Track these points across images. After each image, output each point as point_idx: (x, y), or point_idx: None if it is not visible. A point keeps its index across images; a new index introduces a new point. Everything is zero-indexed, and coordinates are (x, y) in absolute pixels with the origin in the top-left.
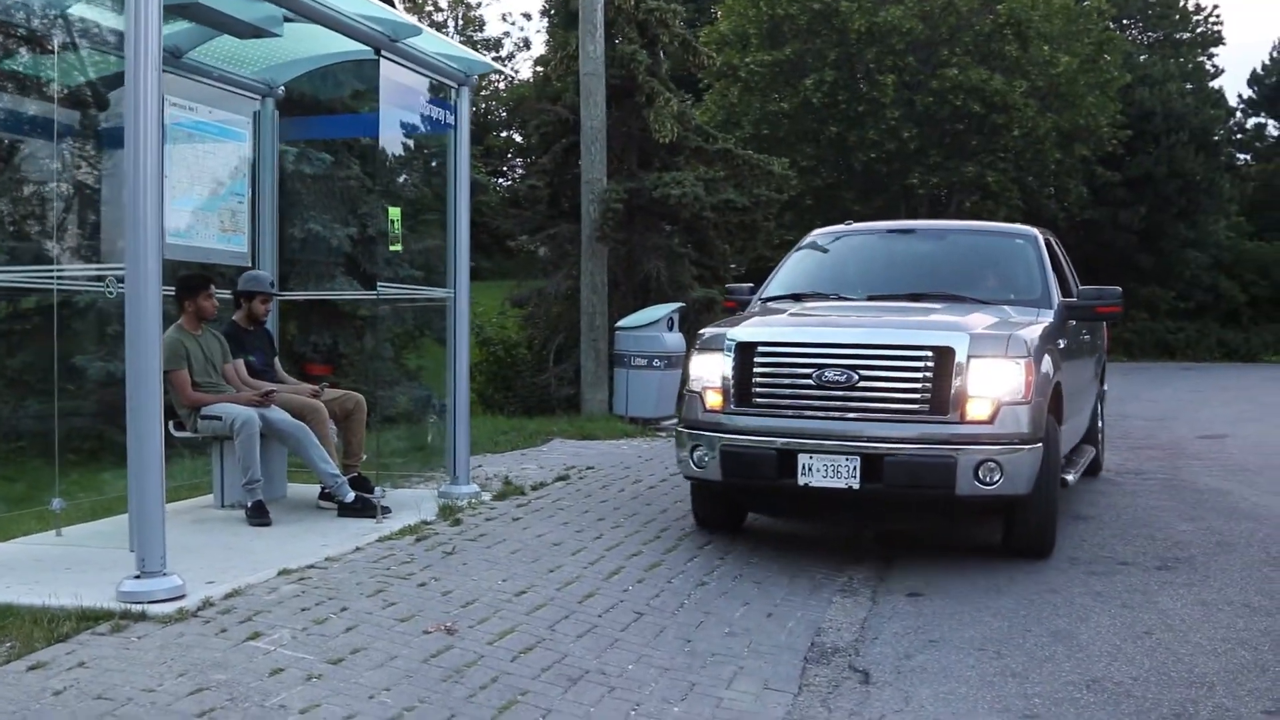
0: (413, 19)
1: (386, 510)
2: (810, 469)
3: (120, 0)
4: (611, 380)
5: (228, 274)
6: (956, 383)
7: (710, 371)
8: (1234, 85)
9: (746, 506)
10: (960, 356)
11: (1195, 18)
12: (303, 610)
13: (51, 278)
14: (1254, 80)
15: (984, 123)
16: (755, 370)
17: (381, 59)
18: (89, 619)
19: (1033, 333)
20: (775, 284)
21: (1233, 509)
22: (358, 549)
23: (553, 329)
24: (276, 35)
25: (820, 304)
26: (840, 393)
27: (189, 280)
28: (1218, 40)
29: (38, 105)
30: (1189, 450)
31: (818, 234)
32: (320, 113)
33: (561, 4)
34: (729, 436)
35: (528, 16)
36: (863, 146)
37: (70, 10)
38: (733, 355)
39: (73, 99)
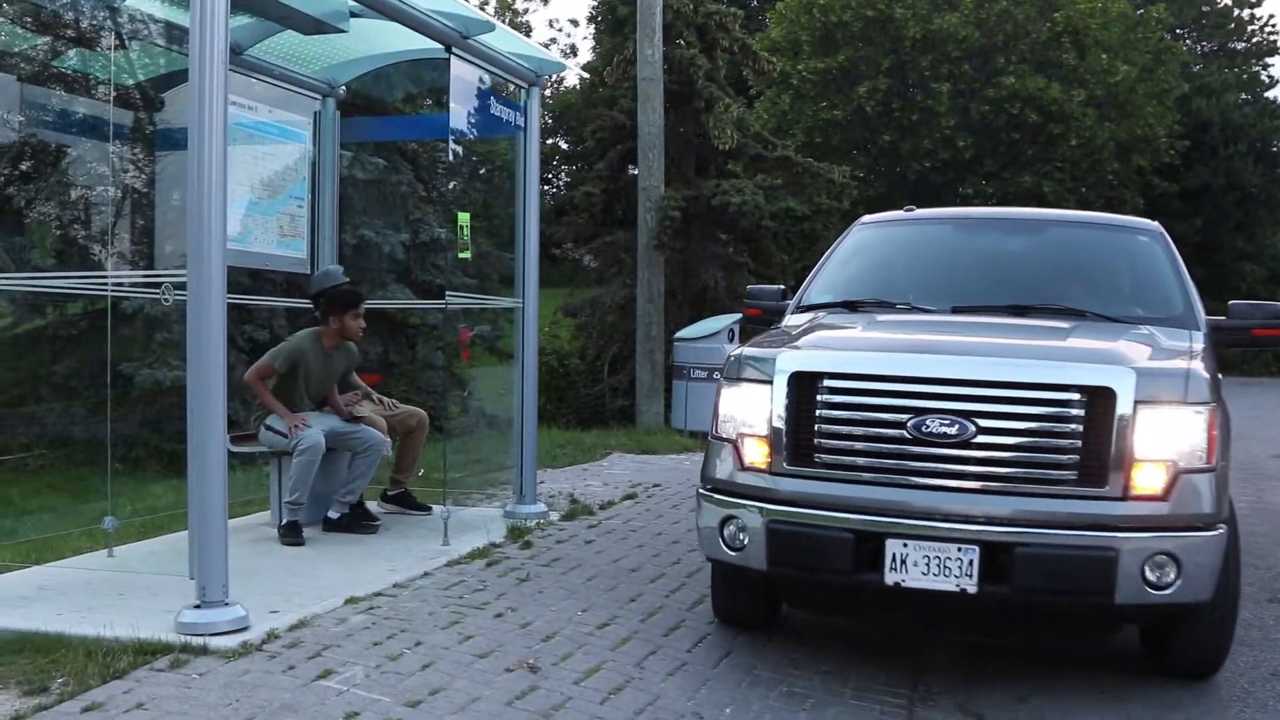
0: (486, 14)
1: (372, 525)
2: (904, 562)
3: None
4: (667, 392)
5: (280, 281)
6: (1118, 439)
7: (750, 412)
8: None
9: (796, 603)
10: (1124, 402)
11: (1250, 27)
12: (375, 644)
13: (106, 283)
14: None
15: (1041, 132)
16: (820, 413)
17: (452, 57)
18: (147, 652)
19: (1202, 368)
20: (818, 287)
21: None
22: (426, 574)
23: (607, 339)
24: (342, 31)
25: (893, 316)
26: (950, 450)
27: (342, 296)
28: (1273, 50)
29: (89, 105)
30: (1268, 470)
31: (868, 223)
32: (372, 115)
33: (609, 10)
34: (779, 508)
35: (575, 23)
36: (916, 155)
37: (125, 3)
38: (785, 391)
39: (124, 99)
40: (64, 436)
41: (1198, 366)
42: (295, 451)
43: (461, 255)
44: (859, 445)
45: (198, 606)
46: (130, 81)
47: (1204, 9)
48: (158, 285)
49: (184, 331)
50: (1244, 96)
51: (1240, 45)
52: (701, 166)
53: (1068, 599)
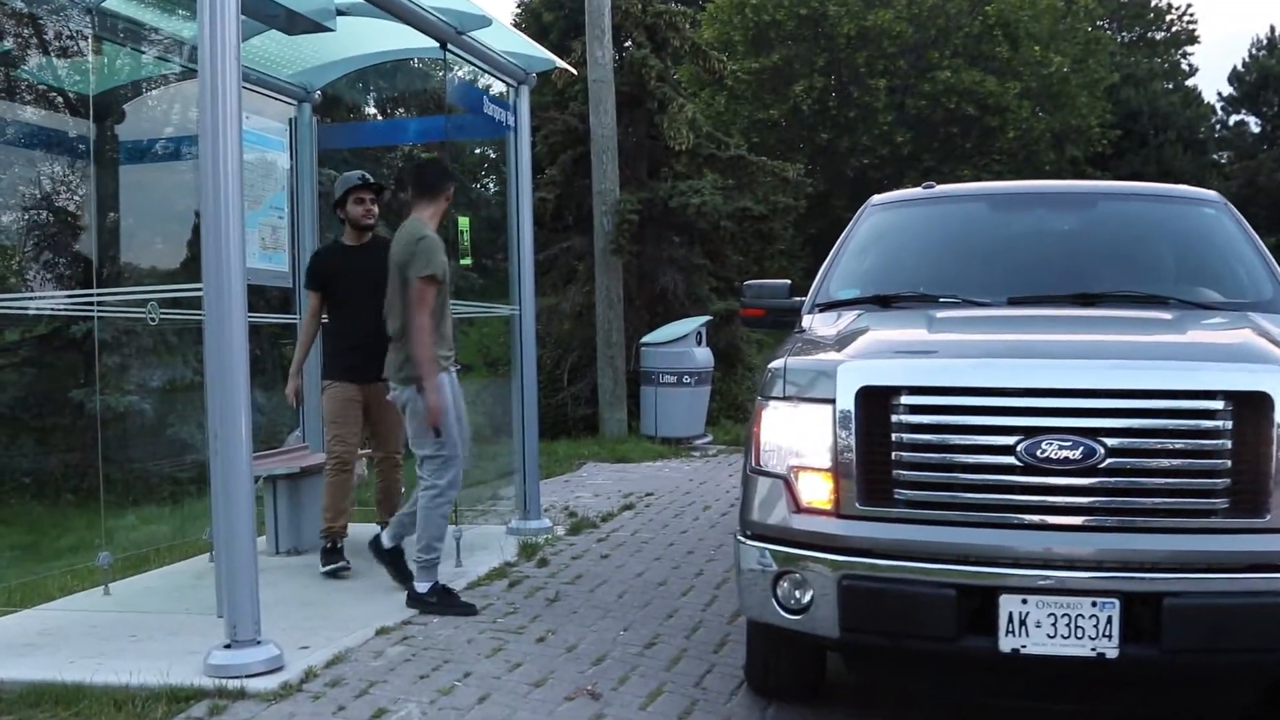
0: (482, 9)
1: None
2: (1024, 623)
3: None
4: (630, 399)
5: (274, 297)
6: (1277, 456)
7: (806, 439)
8: (1210, 83)
9: (864, 668)
10: None
11: (1169, 16)
12: (421, 678)
13: (91, 304)
14: (1235, 78)
15: (978, 125)
16: (899, 437)
17: (448, 54)
18: (180, 699)
19: None
20: (838, 280)
21: None
22: None
23: (565, 348)
24: (329, 30)
25: (954, 313)
26: (1073, 479)
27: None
28: (1193, 39)
29: (40, 117)
30: None
31: (882, 204)
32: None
33: (533, 17)
34: (854, 559)
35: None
36: (855, 152)
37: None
38: (853, 410)
39: (75, 109)
40: (11, 471)
41: None
42: (436, 472)
43: (463, 262)
44: (952, 476)
45: (228, 646)
46: (85, 90)
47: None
48: (141, 305)
49: (133, 354)
50: (1167, 85)
51: (1160, 35)
52: (654, 168)
53: (1231, 658)
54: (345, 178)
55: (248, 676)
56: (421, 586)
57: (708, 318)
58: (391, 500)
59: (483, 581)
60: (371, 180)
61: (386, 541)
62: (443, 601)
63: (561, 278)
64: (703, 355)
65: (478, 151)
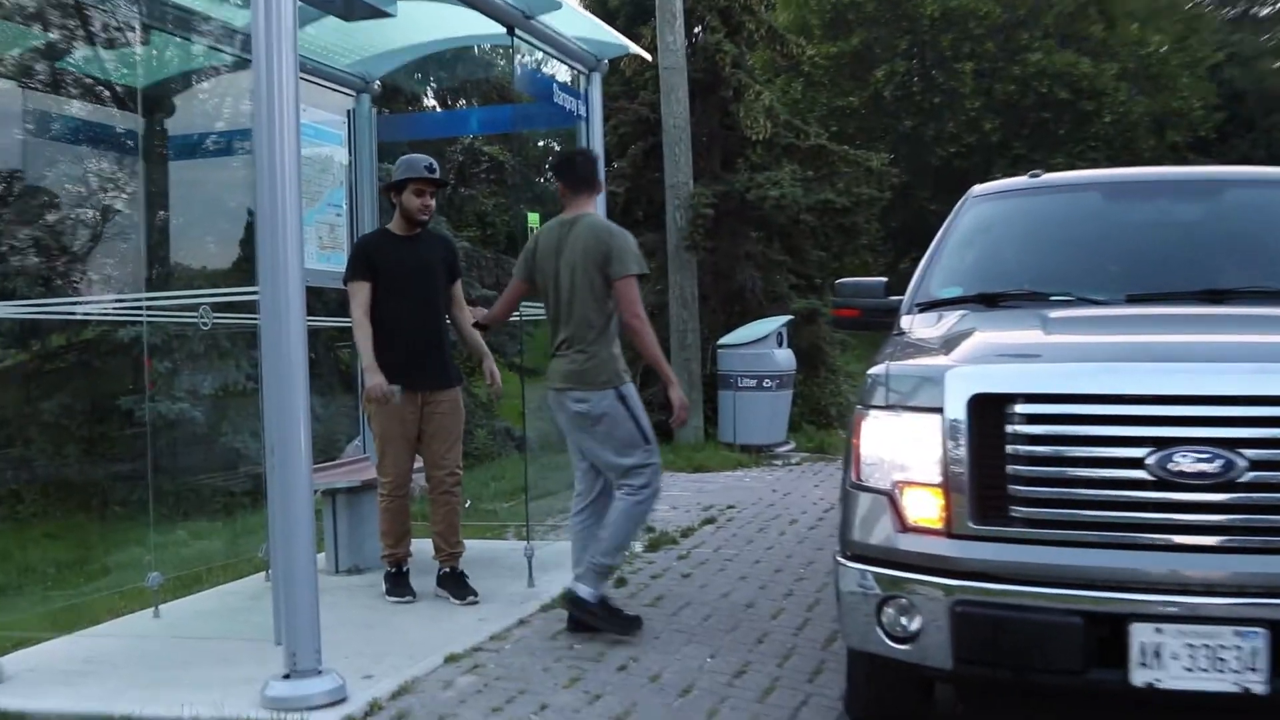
0: None
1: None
2: (1158, 654)
3: None
4: (706, 403)
5: (332, 300)
6: None
7: (912, 451)
8: None
9: (994, 705)
10: None
11: None
12: (495, 710)
13: (141, 308)
14: None
15: (1071, 110)
16: (1014, 449)
17: (514, 39)
18: None
19: None
20: (939, 278)
21: None
22: (523, 622)
23: (636, 350)
24: (389, 15)
25: (1071, 313)
26: (1211, 495)
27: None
28: None
29: (85, 110)
30: None
31: (984, 195)
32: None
33: (598, 2)
34: (968, 584)
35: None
36: (940, 141)
37: None
38: (965, 419)
39: (123, 102)
40: (59, 480)
41: None
42: (644, 480)
43: None
44: (1074, 493)
45: (287, 676)
46: (133, 83)
47: None
48: (192, 309)
49: (184, 359)
50: (1276, 64)
51: (1266, 10)
52: (729, 160)
53: None
54: (409, 161)
55: (309, 709)
56: (587, 592)
57: (788, 317)
58: (454, 530)
59: (557, 603)
60: (437, 172)
61: (589, 594)
62: (606, 616)
63: None
64: (784, 357)
65: (541, 144)
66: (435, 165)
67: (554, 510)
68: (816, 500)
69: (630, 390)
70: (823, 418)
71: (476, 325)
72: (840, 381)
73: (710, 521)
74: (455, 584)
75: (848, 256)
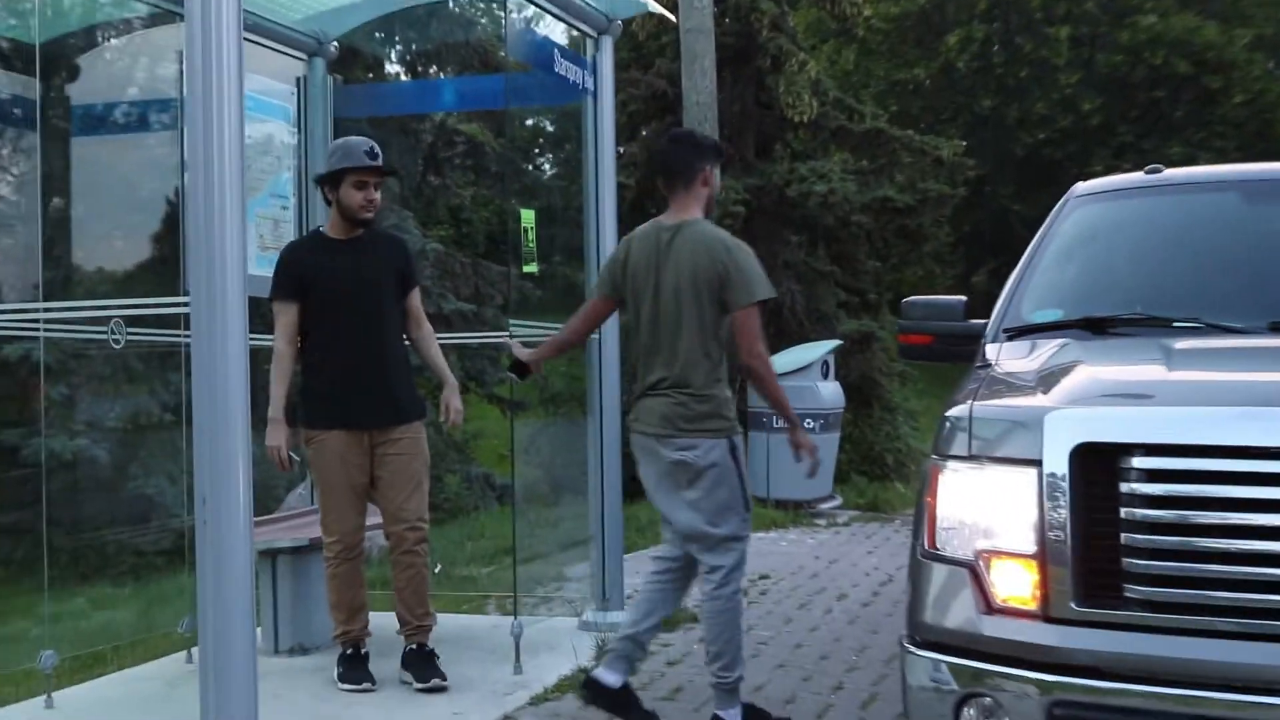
0: None
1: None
2: None
3: None
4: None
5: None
6: None
7: (999, 514)
8: None
9: None
10: None
11: None
12: None
13: (36, 323)
14: None
15: (1193, 87)
16: (1132, 514)
17: None
18: None
19: None
20: (1032, 298)
21: None
22: (507, 718)
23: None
24: None
25: (1196, 343)
26: None
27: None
28: None
29: None
30: None
31: (1090, 194)
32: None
33: None
34: (1069, 680)
35: None
36: (1026, 124)
37: None
38: (1066, 475)
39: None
40: None
41: None
42: (733, 553)
43: (526, 269)
44: (1206, 568)
45: None
46: (27, 38)
47: None
48: (98, 322)
49: (84, 383)
50: None
51: None
52: (765, 145)
53: None
54: (345, 146)
55: None
56: (733, 715)
57: (836, 342)
58: (421, 599)
59: (551, 695)
60: (379, 158)
61: (612, 678)
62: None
63: None
64: (830, 391)
65: (530, 123)
66: (377, 149)
67: (545, 577)
68: (870, 570)
69: (740, 442)
70: (877, 467)
71: (516, 367)
72: (899, 422)
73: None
74: (421, 664)
75: (909, 267)
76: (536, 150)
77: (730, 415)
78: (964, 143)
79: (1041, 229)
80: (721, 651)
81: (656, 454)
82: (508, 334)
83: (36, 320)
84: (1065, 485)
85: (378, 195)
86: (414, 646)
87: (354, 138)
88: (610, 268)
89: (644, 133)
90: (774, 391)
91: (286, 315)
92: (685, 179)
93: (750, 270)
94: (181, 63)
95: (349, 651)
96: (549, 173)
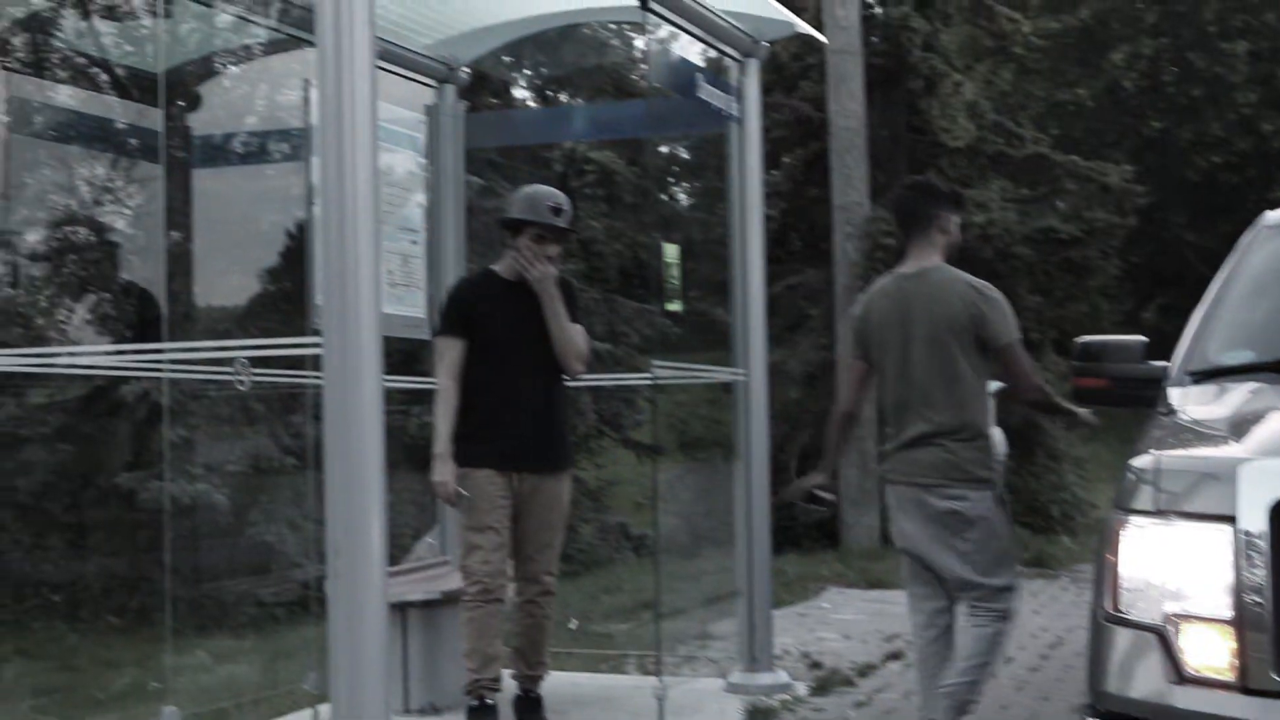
0: None
1: None
2: None
3: None
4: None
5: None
6: None
7: (1190, 574)
8: None
9: None
10: None
11: None
12: None
13: (160, 363)
14: None
15: None
16: None
17: (648, 12)
18: None
19: None
20: (1220, 337)
21: None
22: None
23: (792, 423)
24: None
25: None
26: None
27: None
28: None
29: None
30: None
31: None
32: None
33: None
34: None
35: None
36: (1201, 148)
37: None
38: (1265, 532)
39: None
40: (36, 579)
41: None
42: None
43: (670, 307)
44: None
45: None
46: (146, 66)
47: None
48: (220, 362)
49: (204, 424)
50: None
51: None
52: (917, 172)
53: None
54: (531, 198)
55: None
56: None
57: (997, 384)
58: (537, 647)
59: None
60: (564, 215)
61: None
62: None
63: (787, 325)
64: (997, 438)
65: (664, 150)
66: (565, 205)
67: (688, 635)
68: (1037, 631)
69: (1005, 493)
70: (1041, 519)
71: (811, 498)
72: (1064, 471)
73: (896, 656)
74: (528, 711)
75: (1070, 303)
76: (671, 179)
77: (994, 464)
78: (1132, 168)
79: (1228, 262)
80: (976, 673)
81: (924, 504)
82: (650, 376)
83: (160, 361)
84: (1263, 544)
85: (555, 251)
86: (522, 693)
87: (543, 188)
88: (859, 328)
89: (786, 160)
90: (1065, 409)
91: (452, 352)
92: (921, 227)
93: (1003, 308)
94: (306, 90)
95: (476, 704)
96: (684, 203)
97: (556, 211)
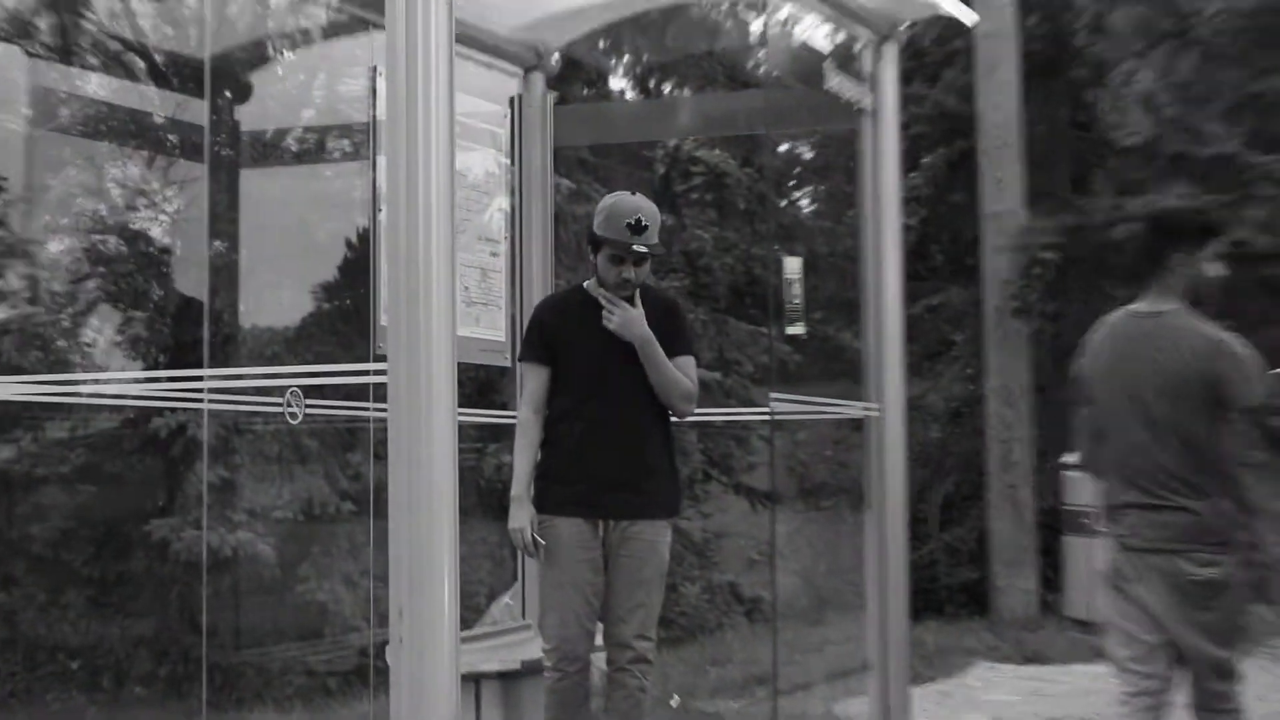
0: None
1: None
2: None
3: None
4: (1044, 555)
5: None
6: None
7: None
8: None
9: None
10: None
11: None
12: None
13: (200, 393)
14: None
15: None
16: None
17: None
18: None
19: None
20: None
21: None
22: None
23: (932, 468)
24: None
25: None
26: None
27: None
28: None
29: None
30: None
31: None
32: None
33: None
34: None
35: None
36: None
37: None
38: None
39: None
40: (52, 642)
41: None
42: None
43: (791, 330)
44: None
45: None
46: (190, 50)
47: None
48: (270, 392)
49: (247, 464)
50: None
51: None
52: (1082, 175)
53: None
54: (611, 209)
55: None
56: None
57: None
58: (632, 717)
59: None
60: (646, 232)
61: None
62: None
63: (926, 353)
64: None
65: (784, 148)
66: (646, 221)
67: (811, 715)
68: None
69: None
70: None
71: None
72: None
73: None
74: None
75: (1266, 328)
76: (792, 183)
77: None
78: None
79: None
80: None
81: (1166, 573)
82: (767, 411)
83: (200, 390)
84: None
85: (636, 273)
86: None
87: (626, 199)
88: (1089, 366)
89: (924, 161)
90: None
91: (534, 380)
92: (1149, 264)
93: (1249, 364)
94: (373, 79)
95: None
96: (807, 210)
97: (637, 228)
